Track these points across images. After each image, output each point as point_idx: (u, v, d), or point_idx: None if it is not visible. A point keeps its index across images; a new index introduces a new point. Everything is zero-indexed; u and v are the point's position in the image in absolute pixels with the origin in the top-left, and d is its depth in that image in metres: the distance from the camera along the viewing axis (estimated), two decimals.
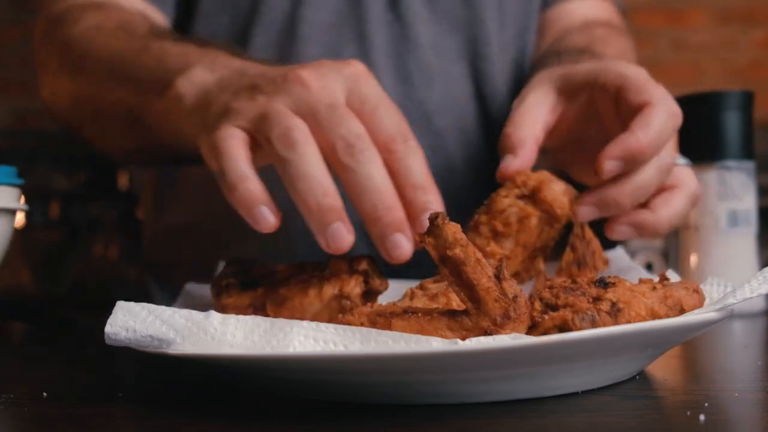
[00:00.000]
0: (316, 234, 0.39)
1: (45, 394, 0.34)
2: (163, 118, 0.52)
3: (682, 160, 0.49)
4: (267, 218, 0.40)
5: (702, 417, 0.28)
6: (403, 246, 0.39)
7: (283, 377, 0.32)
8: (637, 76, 0.45)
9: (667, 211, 0.46)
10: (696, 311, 0.33)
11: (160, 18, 0.69)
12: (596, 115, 0.48)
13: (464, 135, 0.72)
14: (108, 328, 0.32)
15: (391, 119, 0.42)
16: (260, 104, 0.42)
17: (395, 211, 0.40)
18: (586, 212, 0.45)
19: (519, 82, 0.75)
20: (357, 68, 0.43)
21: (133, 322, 0.32)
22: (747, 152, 0.61)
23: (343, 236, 0.39)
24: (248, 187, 0.40)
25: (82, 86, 0.62)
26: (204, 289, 0.52)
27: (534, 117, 0.47)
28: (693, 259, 0.62)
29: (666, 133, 0.43)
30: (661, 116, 0.43)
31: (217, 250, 0.67)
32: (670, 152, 0.45)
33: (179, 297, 0.50)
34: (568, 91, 0.48)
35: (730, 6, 2.43)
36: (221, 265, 0.54)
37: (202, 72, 0.48)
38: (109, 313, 0.32)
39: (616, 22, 0.78)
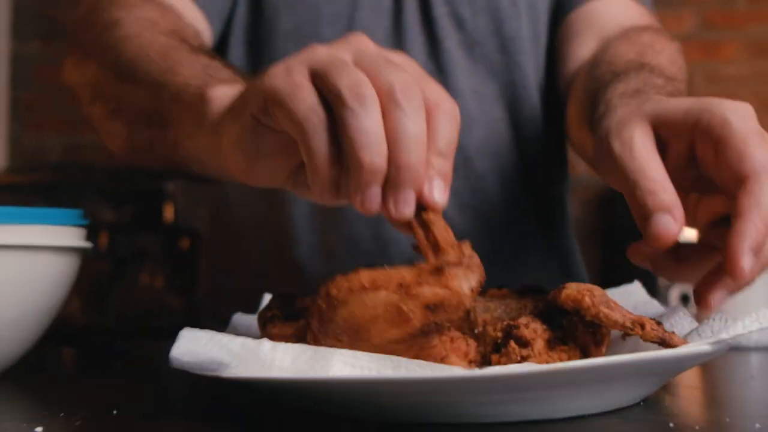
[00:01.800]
0: (354, 190, 0.39)
1: (115, 411, 0.39)
2: (188, 129, 0.52)
3: None
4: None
5: None
6: (411, 206, 0.39)
7: (324, 398, 0.37)
8: (740, 127, 0.40)
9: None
10: (690, 345, 0.37)
11: (207, 35, 0.72)
12: (693, 161, 0.43)
13: (503, 177, 0.76)
14: (173, 352, 0.37)
15: (437, 86, 0.42)
16: (323, 52, 0.41)
17: (422, 167, 0.39)
18: (720, 299, 0.41)
19: (553, 121, 0.79)
20: (402, 57, 0.43)
21: (195, 347, 0.37)
22: None
23: (376, 200, 0.39)
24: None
25: (116, 86, 0.63)
26: (250, 320, 0.57)
27: (659, 166, 0.42)
28: None
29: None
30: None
31: (265, 286, 0.72)
32: None
33: (228, 326, 0.55)
34: (665, 134, 0.44)
35: (764, 38, 2.45)
36: (265, 298, 0.59)
37: (238, 86, 0.49)
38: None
39: (652, 23, 0.77)
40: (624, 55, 0.64)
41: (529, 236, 0.80)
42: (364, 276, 0.36)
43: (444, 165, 0.41)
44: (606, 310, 0.38)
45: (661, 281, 1.95)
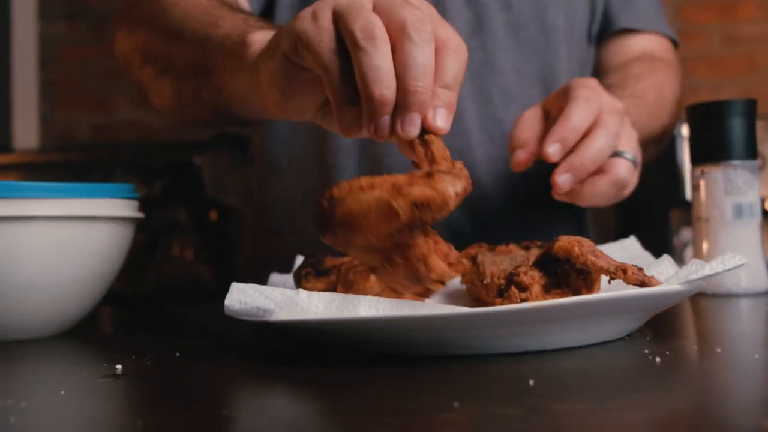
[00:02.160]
0: (368, 120, 0.45)
1: (177, 354, 0.46)
2: (232, 72, 0.59)
3: (628, 155, 0.63)
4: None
5: (658, 359, 0.38)
6: (416, 127, 0.45)
7: (353, 336, 0.43)
8: (576, 90, 0.61)
9: (590, 189, 0.61)
10: (664, 285, 0.43)
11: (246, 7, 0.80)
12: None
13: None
14: (226, 302, 0.43)
15: (448, 28, 0.47)
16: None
17: (428, 93, 0.44)
18: (564, 180, 0.59)
19: None
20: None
21: (243, 297, 0.43)
22: (750, 153, 0.70)
23: (387, 127, 0.45)
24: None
25: (162, 44, 0.71)
26: (285, 278, 0.64)
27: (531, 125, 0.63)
28: (705, 246, 0.71)
29: (585, 118, 0.59)
30: (577, 109, 0.59)
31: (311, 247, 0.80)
32: (615, 127, 0.60)
33: (268, 283, 0.62)
34: (548, 107, 0.64)
35: None
36: (298, 259, 0.66)
37: (272, 32, 0.56)
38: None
39: (663, 55, 0.89)
40: (607, 83, 0.77)
41: (555, 206, 0.87)
42: (364, 179, 0.41)
43: (449, 96, 0.46)
44: (593, 258, 0.44)
45: (677, 241, 1.99)
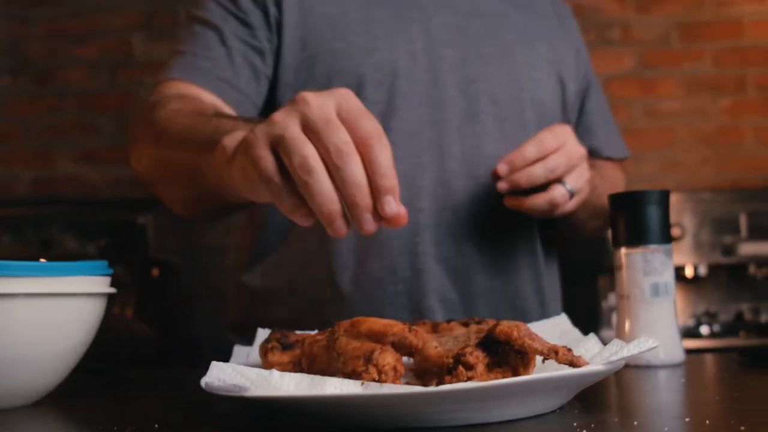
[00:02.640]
0: (326, 225, 0.55)
1: (156, 425, 0.51)
2: (214, 169, 0.68)
3: (567, 186, 0.86)
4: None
5: (584, 431, 0.44)
6: (371, 224, 0.55)
7: (320, 411, 0.49)
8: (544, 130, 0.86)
9: (530, 202, 0.85)
10: (590, 366, 0.50)
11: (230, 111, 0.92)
12: None
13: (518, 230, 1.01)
14: (207, 378, 0.48)
15: (370, 124, 0.56)
16: (278, 127, 0.56)
17: (367, 198, 0.54)
18: (501, 186, 0.84)
19: None
20: (345, 91, 0.58)
21: (222, 374, 0.49)
22: (665, 237, 0.79)
23: (342, 228, 0.55)
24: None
25: (160, 151, 0.84)
26: (248, 350, 0.69)
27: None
28: (627, 323, 0.79)
29: (534, 152, 0.83)
30: (530, 144, 0.84)
31: (310, 311, 0.92)
32: (554, 163, 0.83)
33: (232, 355, 0.67)
34: None
35: (697, 76, 2.64)
36: (260, 333, 0.71)
37: (242, 132, 0.64)
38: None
39: (620, 168, 1.15)
40: None
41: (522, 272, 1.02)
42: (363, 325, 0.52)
43: (388, 182, 0.55)
44: (529, 341, 0.51)
45: (605, 305, 2.11)
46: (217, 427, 0.51)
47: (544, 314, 0.99)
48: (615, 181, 1.08)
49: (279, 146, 0.55)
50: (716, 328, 2.03)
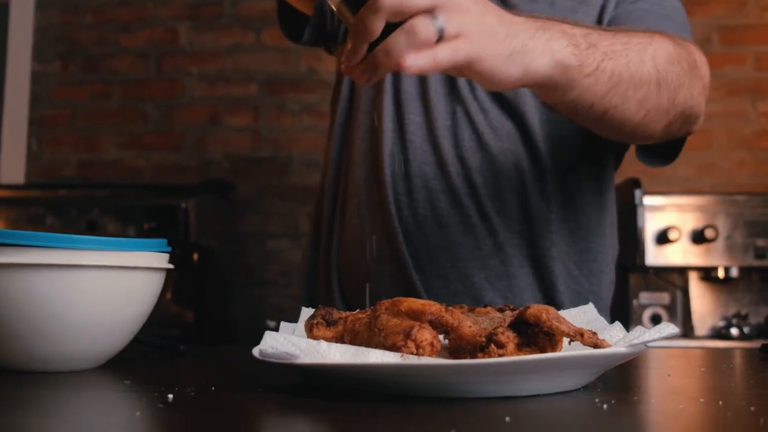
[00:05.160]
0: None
1: (213, 388, 0.56)
2: None
3: (440, 21, 0.63)
4: None
5: (605, 406, 0.48)
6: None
7: (363, 378, 0.53)
8: None
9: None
10: (613, 347, 0.54)
11: None
12: None
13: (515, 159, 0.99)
14: (261, 346, 0.53)
15: None
16: None
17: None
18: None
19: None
20: None
21: (275, 343, 0.53)
22: None
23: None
24: None
25: None
26: (293, 326, 0.74)
27: None
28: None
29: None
30: None
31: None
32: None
33: (279, 330, 0.72)
34: None
35: (737, 79, 2.64)
36: (304, 311, 0.76)
37: None
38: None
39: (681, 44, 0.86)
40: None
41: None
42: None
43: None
44: (557, 323, 0.55)
45: (636, 304, 2.13)
46: (270, 391, 0.56)
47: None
48: (653, 47, 0.79)
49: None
50: (747, 330, 2.04)
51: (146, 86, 2.81)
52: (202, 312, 2.32)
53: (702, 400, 0.53)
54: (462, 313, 0.70)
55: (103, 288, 0.65)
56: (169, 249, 0.73)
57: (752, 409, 0.49)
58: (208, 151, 2.76)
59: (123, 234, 2.41)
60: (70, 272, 0.63)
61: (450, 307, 0.62)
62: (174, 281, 2.31)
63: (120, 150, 2.81)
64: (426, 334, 0.55)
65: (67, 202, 2.47)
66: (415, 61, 0.59)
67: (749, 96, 2.64)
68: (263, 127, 2.74)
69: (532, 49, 0.66)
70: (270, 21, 2.70)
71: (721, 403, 0.51)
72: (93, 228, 2.45)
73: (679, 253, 2.05)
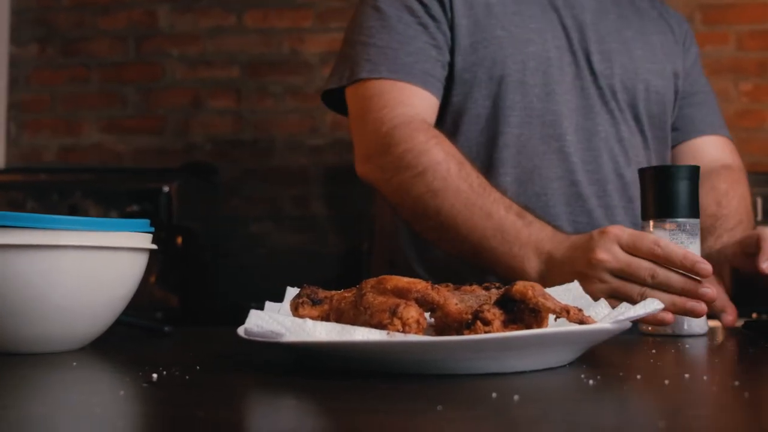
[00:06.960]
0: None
1: (198, 367, 0.55)
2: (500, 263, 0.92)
3: None
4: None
5: (591, 382, 0.49)
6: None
7: (348, 356, 0.53)
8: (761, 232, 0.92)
9: None
10: (597, 324, 0.54)
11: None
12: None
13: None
14: (246, 324, 0.53)
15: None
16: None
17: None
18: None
19: None
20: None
21: (260, 321, 0.53)
22: (693, 212, 0.82)
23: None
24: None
25: (429, 221, 0.99)
26: (278, 306, 0.74)
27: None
28: None
29: None
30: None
31: None
32: None
33: (264, 309, 0.71)
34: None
35: (722, 59, 2.64)
36: (289, 291, 0.75)
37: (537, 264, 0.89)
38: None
39: (733, 162, 1.21)
40: (707, 208, 1.09)
41: None
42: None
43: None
44: (543, 300, 0.55)
45: None
46: (255, 370, 0.56)
47: None
48: (747, 208, 1.16)
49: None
50: None
51: (126, 69, 2.78)
52: (187, 295, 2.31)
53: (687, 375, 0.53)
54: (448, 290, 0.70)
55: (85, 269, 0.65)
56: (152, 229, 0.72)
57: (736, 383, 0.49)
58: (190, 135, 2.74)
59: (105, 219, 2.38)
60: (52, 253, 0.63)
61: (436, 285, 0.62)
62: (158, 265, 2.29)
63: (101, 134, 2.78)
64: (412, 312, 0.55)
65: (48, 187, 2.44)
66: None
67: (731, 75, 2.65)
68: (245, 110, 2.72)
69: None
70: (251, 2, 2.68)
71: (705, 377, 0.51)
72: (75, 213, 2.43)
73: None
